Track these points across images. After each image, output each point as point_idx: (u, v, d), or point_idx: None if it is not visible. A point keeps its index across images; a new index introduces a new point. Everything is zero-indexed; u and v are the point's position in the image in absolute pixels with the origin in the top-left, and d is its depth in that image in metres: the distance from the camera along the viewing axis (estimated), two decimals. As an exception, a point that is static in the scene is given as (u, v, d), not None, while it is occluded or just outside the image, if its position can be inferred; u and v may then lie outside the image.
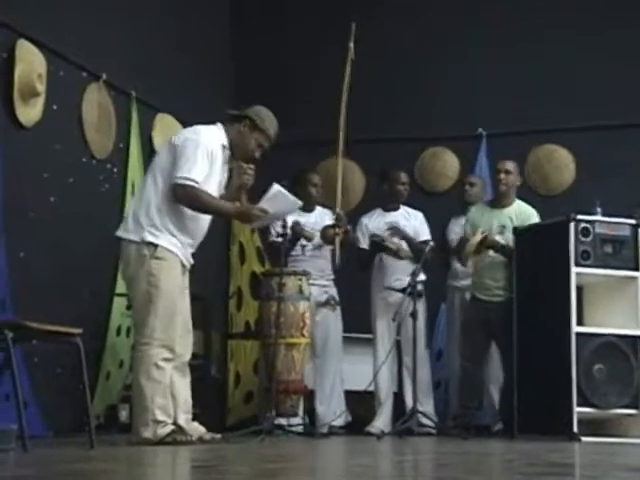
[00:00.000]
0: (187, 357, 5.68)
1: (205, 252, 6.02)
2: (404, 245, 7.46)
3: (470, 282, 7.43)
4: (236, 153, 5.82)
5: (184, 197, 5.54)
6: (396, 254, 7.40)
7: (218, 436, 5.77)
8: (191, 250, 5.74)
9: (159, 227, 5.55)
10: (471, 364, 7.14)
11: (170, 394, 5.51)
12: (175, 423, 5.51)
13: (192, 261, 5.77)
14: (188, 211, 5.61)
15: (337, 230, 7.17)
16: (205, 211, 5.64)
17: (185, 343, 5.66)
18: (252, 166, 5.83)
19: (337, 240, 7.17)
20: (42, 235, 6.50)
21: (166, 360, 5.48)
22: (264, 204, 5.68)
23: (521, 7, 8.98)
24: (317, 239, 7.29)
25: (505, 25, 8.98)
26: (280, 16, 9.44)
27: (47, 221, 6.57)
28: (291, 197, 5.83)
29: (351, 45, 7.30)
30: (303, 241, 7.21)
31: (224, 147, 5.75)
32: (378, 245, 7.45)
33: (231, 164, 5.85)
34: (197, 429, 5.63)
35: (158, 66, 8.01)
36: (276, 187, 5.71)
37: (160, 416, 5.42)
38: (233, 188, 5.86)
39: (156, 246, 5.52)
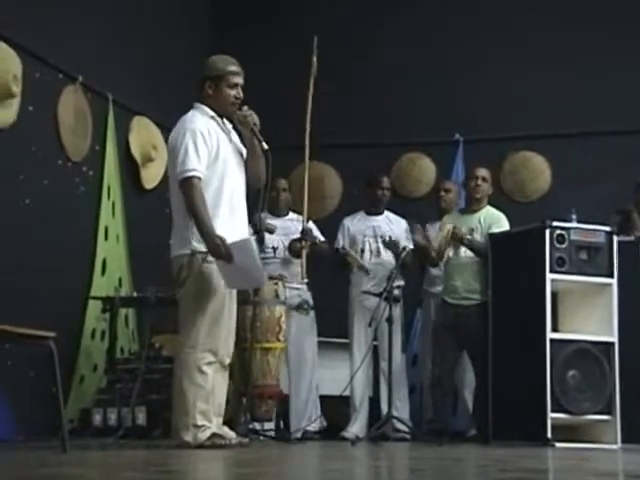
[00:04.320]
0: (227, 360, 5.58)
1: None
2: (366, 263, 7.48)
3: (445, 287, 7.45)
4: (225, 111, 5.65)
5: (184, 190, 5.38)
6: (360, 268, 7.43)
7: (246, 440, 5.70)
8: (244, 230, 5.61)
9: None
10: (441, 369, 7.13)
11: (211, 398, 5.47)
12: None
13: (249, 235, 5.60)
14: (222, 195, 5.47)
15: (303, 244, 7.16)
16: (192, 210, 5.35)
17: (227, 345, 5.58)
18: (246, 107, 5.67)
19: (304, 253, 7.17)
20: (17, 237, 6.47)
21: (209, 364, 5.43)
22: (233, 249, 5.36)
23: (499, 13, 9.02)
24: (286, 242, 7.29)
25: (483, 31, 9.02)
26: (261, 23, 9.42)
27: (22, 223, 6.54)
28: (257, 260, 5.48)
29: (314, 59, 7.19)
30: (273, 243, 7.19)
31: (213, 117, 5.60)
32: (341, 258, 7.47)
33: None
34: (227, 434, 5.54)
35: (135, 69, 7.99)
36: (251, 240, 5.49)
37: (200, 421, 5.39)
38: (249, 143, 5.67)
39: (207, 252, 5.39)
